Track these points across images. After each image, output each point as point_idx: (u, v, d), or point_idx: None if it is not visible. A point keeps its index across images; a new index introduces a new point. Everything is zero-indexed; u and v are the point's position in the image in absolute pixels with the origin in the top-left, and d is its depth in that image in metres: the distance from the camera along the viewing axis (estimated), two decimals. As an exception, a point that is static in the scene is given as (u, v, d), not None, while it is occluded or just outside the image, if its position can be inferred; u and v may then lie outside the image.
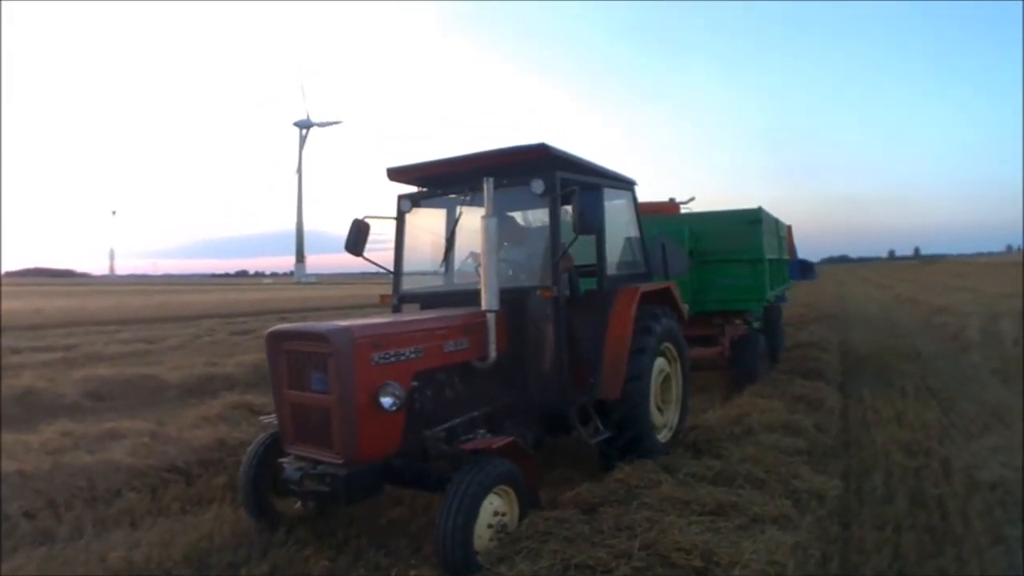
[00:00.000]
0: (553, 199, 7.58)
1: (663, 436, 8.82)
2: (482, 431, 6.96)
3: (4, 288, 76.67)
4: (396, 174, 8.52)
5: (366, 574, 5.66)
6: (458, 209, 8.50)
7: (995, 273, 57.97)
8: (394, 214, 8.64)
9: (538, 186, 7.36)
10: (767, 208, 14.28)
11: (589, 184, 7.96)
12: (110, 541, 6.59)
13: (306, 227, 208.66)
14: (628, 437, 7.98)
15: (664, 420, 8.98)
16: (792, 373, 13.67)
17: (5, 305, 38.85)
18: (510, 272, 8.58)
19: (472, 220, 7.83)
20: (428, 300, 8.43)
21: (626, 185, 9.31)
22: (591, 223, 7.15)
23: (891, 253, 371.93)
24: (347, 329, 6.13)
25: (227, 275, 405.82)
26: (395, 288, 8.60)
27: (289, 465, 6.37)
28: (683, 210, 16.07)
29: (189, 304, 49.38)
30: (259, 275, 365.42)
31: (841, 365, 16.05)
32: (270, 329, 6.74)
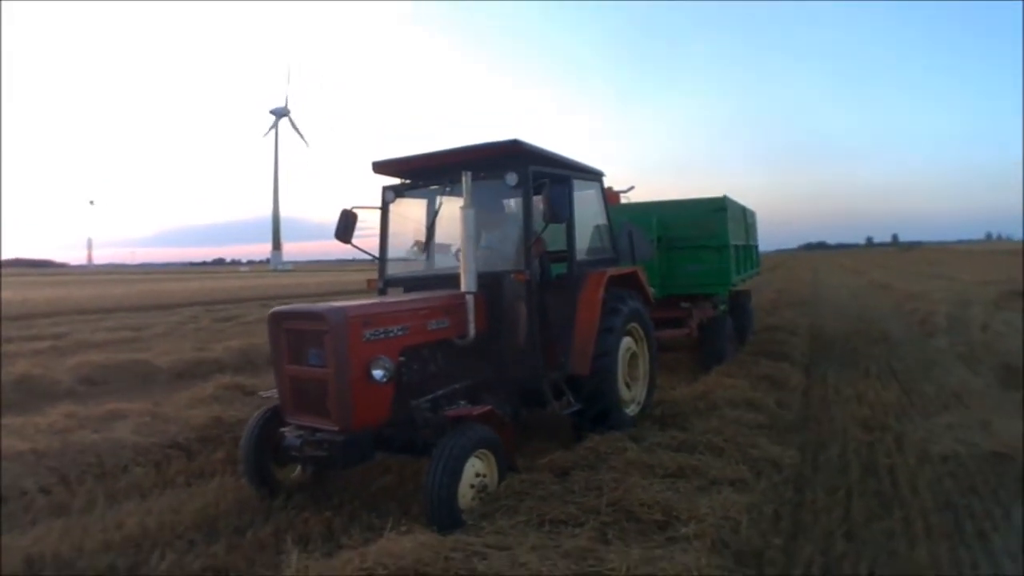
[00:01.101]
0: (526, 191, 8.15)
1: (631, 410, 9.35)
2: (463, 402, 7.43)
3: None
4: (381, 167, 9.07)
5: (360, 533, 6.10)
6: (438, 200, 9.13)
7: (973, 261, 58.43)
8: (379, 204, 9.13)
9: (512, 179, 7.90)
10: (744, 195, 14.72)
11: (559, 176, 8.49)
12: (123, 511, 7.10)
13: (282, 214, 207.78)
14: (597, 410, 8.53)
15: (632, 395, 9.54)
16: (759, 355, 14.14)
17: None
18: (487, 257, 9.05)
19: (451, 210, 8.50)
20: (411, 284, 8.97)
21: (594, 177, 9.84)
22: (560, 213, 7.71)
23: (869, 240, 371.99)
24: (341, 309, 6.78)
25: (204, 263, 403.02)
26: (380, 273, 9.12)
27: (290, 434, 6.94)
28: (623, 199, 16.55)
29: (170, 292, 49.41)
30: (236, 263, 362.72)
31: (808, 348, 16.57)
32: (272, 310, 7.29)
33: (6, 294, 43.53)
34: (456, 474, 6.18)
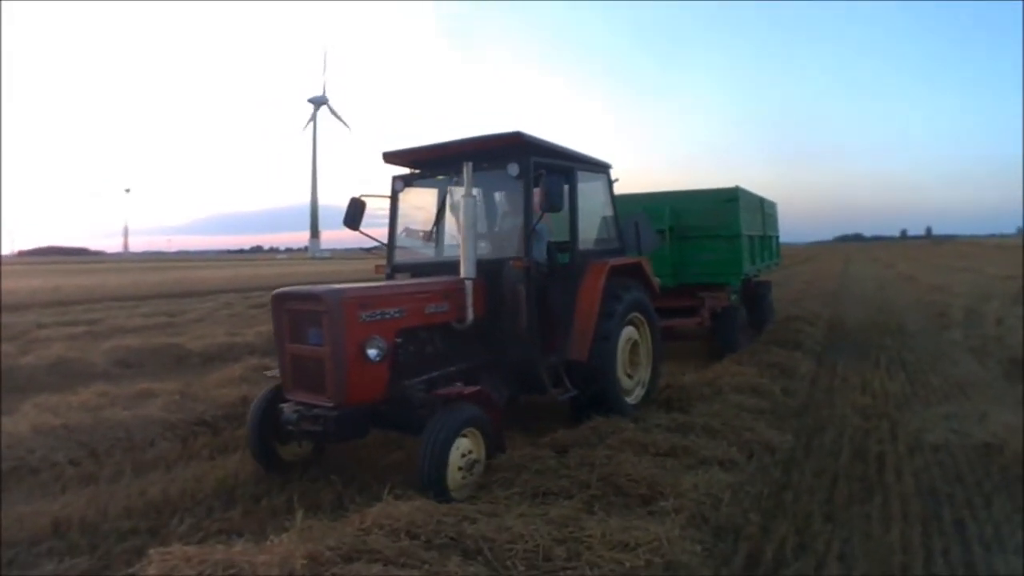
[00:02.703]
0: (527, 181, 8.35)
1: (632, 399, 9.66)
2: (458, 384, 7.61)
3: (21, 267, 77.60)
4: (391, 157, 9.39)
5: (367, 503, 6.27)
6: (446, 189, 9.46)
7: (1001, 255, 57.88)
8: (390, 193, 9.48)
9: (514, 169, 8.21)
10: (778, 187, 14.74)
11: (563, 168, 8.86)
12: (147, 480, 7.56)
13: (320, 202, 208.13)
14: (595, 396, 8.82)
15: (633, 384, 9.84)
16: (773, 343, 14.42)
17: (25, 283, 39.88)
18: (492, 245, 9.48)
19: (458, 199, 8.84)
20: (417, 269, 9.35)
21: (600, 169, 10.16)
22: (555, 202, 8.00)
23: (903, 233, 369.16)
24: (339, 291, 7.11)
25: (242, 251, 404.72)
26: (388, 259, 9.47)
27: (288, 409, 7.30)
28: None
29: (206, 280, 50.16)
30: (273, 251, 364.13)
31: (824, 338, 16.73)
32: (275, 291, 7.66)
33: (39, 281, 44.35)
34: (444, 451, 6.48)
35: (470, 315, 8.00)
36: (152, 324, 21.82)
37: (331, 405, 6.97)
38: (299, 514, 5.62)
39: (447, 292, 8.04)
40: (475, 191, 8.13)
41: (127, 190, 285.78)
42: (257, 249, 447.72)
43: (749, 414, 9.04)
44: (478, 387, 7.33)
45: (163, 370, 14.20)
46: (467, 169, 7.83)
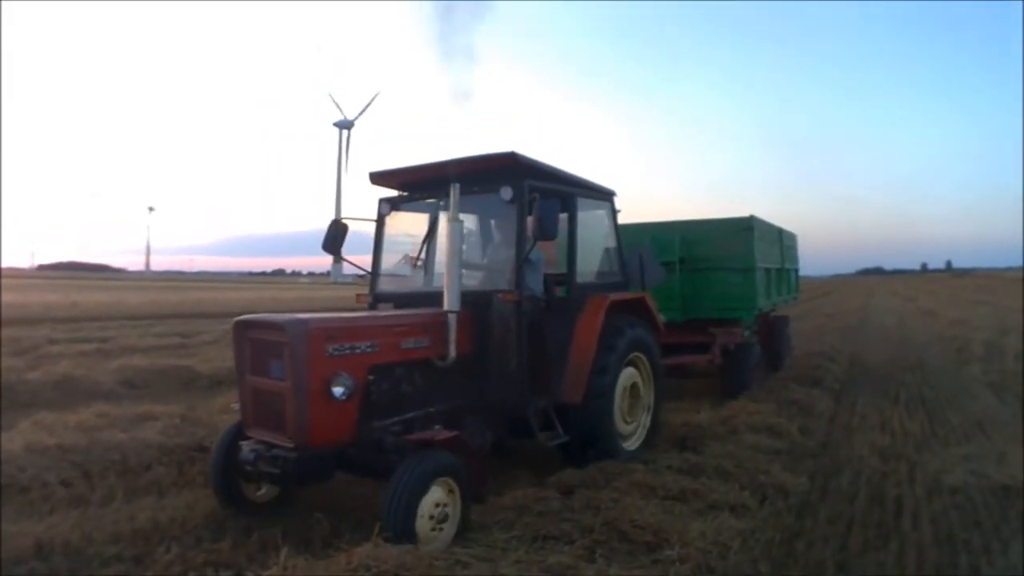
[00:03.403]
0: (520, 206, 7.84)
1: (630, 443, 9.11)
2: (438, 427, 7.01)
3: (40, 281, 78.06)
4: (378, 178, 8.92)
5: (359, 538, 5.85)
6: (436, 212, 8.96)
7: (1014, 287, 58.20)
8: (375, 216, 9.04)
9: (507, 193, 7.71)
10: (802, 224, 14.35)
11: (561, 193, 8.36)
12: (138, 506, 7.33)
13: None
14: (589, 441, 8.30)
15: (632, 429, 9.26)
16: (791, 380, 14.03)
17: (42, 298, 40.03)
18: (482, 275, 9.00)
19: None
20: (402, 300, 8.83)
21: (604, 196, 9.65)
22: (548, 229, 7.42)
23: (924, 266, 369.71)
24: (303, 321, 6.54)
25: (263, 273, 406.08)
26: (372, 288, 9.03)
27: (246, 447, 6.72)
28: None
29: (225, 301, 50.02)
30: (296, 274, 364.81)
31: (844, 374, 16.44)
32: (237, 318, 7.14)
33: (56, 296, 44.51)
34: (412, 502, 5.86)
35: (453, 352, 7.39)
36: (164, 344, 21.76)
37: (291, 446, 6.43)
38: (283, 552, 5.34)
39: (427, 326, 7.51)
40: (465, 216, 7.71)
41: (151, 209, 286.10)
42: (279, 272, 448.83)
43: (764, 455, 8.74)
44: (455, 432, 6.71)
45: (169, 392, 14.02)
46: (454, 191, 7.25)
